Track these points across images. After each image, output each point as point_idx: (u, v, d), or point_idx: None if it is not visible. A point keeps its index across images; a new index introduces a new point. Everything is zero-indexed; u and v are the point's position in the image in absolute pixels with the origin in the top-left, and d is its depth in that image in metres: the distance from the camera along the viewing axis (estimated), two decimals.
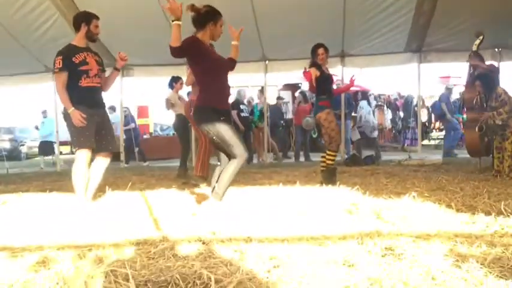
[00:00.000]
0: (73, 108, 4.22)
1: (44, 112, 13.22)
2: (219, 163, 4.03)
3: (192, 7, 3.81)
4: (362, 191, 4.82)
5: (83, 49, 4.42)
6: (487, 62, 6.96)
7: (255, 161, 10.50)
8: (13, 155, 18.28)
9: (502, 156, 6.08)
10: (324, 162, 5.74)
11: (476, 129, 6.41)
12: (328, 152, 5.69)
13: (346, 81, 9.52)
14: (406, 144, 14.60)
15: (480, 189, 4.74)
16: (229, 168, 3.76)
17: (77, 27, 4.44)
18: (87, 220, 3.74)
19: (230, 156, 3.80)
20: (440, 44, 9.18)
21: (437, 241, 2.77)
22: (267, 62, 10.08)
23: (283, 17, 8.45)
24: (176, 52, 3.64)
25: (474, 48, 6.84)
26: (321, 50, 5.74)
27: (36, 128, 13.78)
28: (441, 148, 12.80)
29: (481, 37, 6.81)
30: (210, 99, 3.86)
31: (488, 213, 3.53)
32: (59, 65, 4.25)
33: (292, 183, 5.73)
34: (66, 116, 4.31)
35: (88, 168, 4.37)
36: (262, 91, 11.14)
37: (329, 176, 5.59)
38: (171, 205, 4.54)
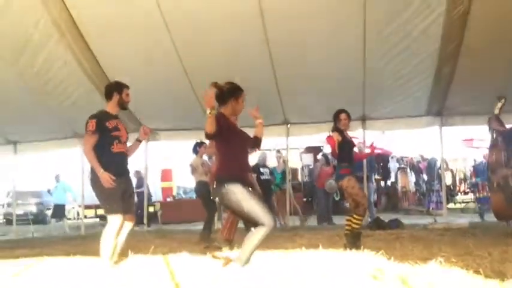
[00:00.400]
0: (103, 170, 4.27)
1: (57, 176, 13.58)
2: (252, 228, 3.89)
3: (215, 85, 3.94)
4: (387, 256, 4.72)
5: (115, 116, 4.59)
6: (508, 126, 6.93)
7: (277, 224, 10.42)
8: (39, 218, 18.50)
9: None
10: (349, 225, 5.67)
11: (494, 185, 6.36)
12: (354, 216, 5.63)
13: (368, 143, 9.59)
14: (431, 208, 14.35)
15: (509, 253, 4.61)
16: (255, 235, 3.70)
17: (108, 96, 4.61)
18: (110, 285, 3.73)
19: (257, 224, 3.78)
20: (462, 107, 9.20)
21: None
22: (288, 125, 10.20)
23: (305, 81, 8.62)
24: (211, 136, 3.79)
25: (496, 111, 6.86)
26: (343, 116, 5.81)
27: (49, 191, 14.11)
28: (467, 211, 12.54)
29: (503, 100, 6.84)
30: (233, 170, 3.89)
31: None
32: (92, 127, 4.35)
33: (315, 247, 5.66)
34: (95, 181, 4.37)
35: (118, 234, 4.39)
36: (279, 152, 11.27)
37: (354, 241, 5.51)
38: (194, 269, 4.51)
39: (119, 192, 4.38)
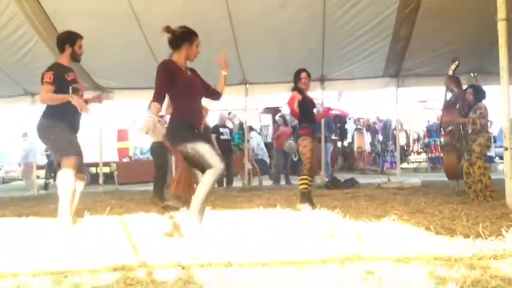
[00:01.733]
0: (71, 97, 4.20)
1: (25, 134, 12.97)
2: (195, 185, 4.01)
3: (167, 28, 3.88)
4: (342, 214, 4.82)
5: (71, 69, 4.43)
6: (464, 87, 7.09)
7: (239, 183, 10.47)
8: None
9: (471, 181, 6.19)
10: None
11: (448, 131, 6.58)
12: (299, 177, 5.72)
13: (326, 104, 9.66)
14: (385, 167, 14.74)
15: (458, 211, 4.79)
16: (204, 180, 3.75)
17: (61, 48, 4.44)
18: (64, 245, 3.66)
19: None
20: (418, 68, 9.37)
21: (417, 264, 2.78)
22: (247, 85, 10.13)
23: (264, 41, 8.55)
24: (161, 100, 3.80)
25: (450, 73, 6.98)
26: (303, 75, 5.79)
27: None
28: (419, 171, 12.94)
29: (456, 62, 6.95)
30: (183, 115, 3.90)
31: (466, 236, 3.56)
32: (49, 79, 4.20)
33: (273, 207, 5.71)
34: (47, 128, 4.25)
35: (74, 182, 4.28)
36: (230, 114, 11.31)
37: (303, 201, 5.53)
38: (150, 230, 4.47)
39: (75, 138, 4.35)
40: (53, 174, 12.92)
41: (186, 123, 3.87)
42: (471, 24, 7.67)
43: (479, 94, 6.48)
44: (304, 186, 5.57)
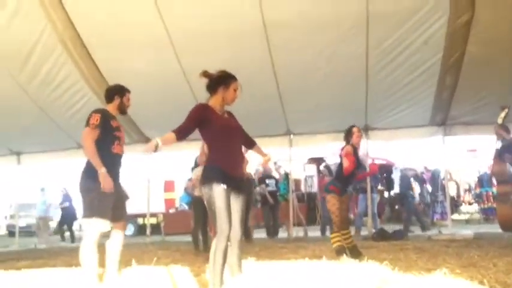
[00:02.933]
0: (105, 169, 4.02)
1: (43, 189, 13.46)
2: (229, 243, 3.61)
3: (205, 73, 3.85)
4: (391, 267, 4.68)
5: (115, 118, 4.43)
6: None
7: (284, 234, 10.39)
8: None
9: None
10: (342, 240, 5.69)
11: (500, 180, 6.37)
12: (331, 235, 5.77)
13: (371, 154, 9.58)
14: (435, 219, 14.28)
15: None
16: (211, 254, 3.53)
17: (109, 99, 4.46)
18: None
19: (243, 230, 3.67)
20: (465, 117, 9.20)
21: None
22: (291, 136, 10.21)
23: (307, 91, 8.64)
24: (180, 135, 3.69)
25: (499, 121, 6.84)
26: (356, 129, 5.78)
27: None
28: (471, 223, 12.46)
29: (506, 110, 6.81)
30: (218, 161, 3.67)
31: None
32: (96, 121, 4.12)
33: (319, 258, 5.63)
34: (86, 179, 4.14)
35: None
36: (276, 164, 11.28)
37: (340, 256, 5.47)
38: (197, 280, 4.49)
39: (112, 198, 4.12)
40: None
41: (220, 170, 3.59)
42: None
43: None
44: (338, 243, 5.59)
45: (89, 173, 4.14)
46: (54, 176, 18.45)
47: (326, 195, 5.75)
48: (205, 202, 3.62)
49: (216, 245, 3.51)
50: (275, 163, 11.48)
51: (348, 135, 5.79)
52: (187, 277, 4.73)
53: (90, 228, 4.08)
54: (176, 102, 8.83)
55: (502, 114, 6.83)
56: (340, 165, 5.75)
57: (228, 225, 3.49)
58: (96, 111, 4.28)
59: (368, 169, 7.84)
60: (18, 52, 7.69)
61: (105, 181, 4.00)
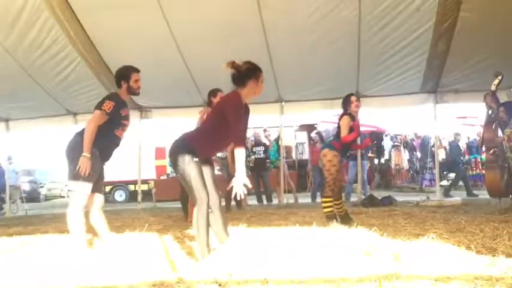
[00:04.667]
0: (89, 156, 4.08)
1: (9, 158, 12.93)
2: (209, 211, 3.70)
3: (232, 64, 3.67)
4: (380, 233, 4.75)
5: (127, 105, 4.44)
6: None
7: (275, 201, 10.48)
8: (32, 196, 18.56)
9: None
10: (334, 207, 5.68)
11: (490, 152, 6.41)
12: (322, 199, 5.67)
13: (362, 121, 9.57)
14: (424, 185, 14.45)
15: (500, 230, 4.64)
16: (193, 222, 3.60)
17: (118, 84, 4.41)
18: (103, 261, 3.75)
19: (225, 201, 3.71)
20: (456, 84, 9.20)
21: (457, 284, 2.73)
22: (283, 103, 10.18)
23: (299, 59, 8.59)
24: (241, 140, 3.66)
25: (493, 88, 6.81)
26: (354, 98, 5.70)
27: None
28: (459, 189, 12.63)
29: (499, 77, 6.78)
30: (204, 148, 3.70)
31: (508, 256, 3.45)
32: (108, 109, 4.15)
33: (309, 225, 5.68)
34: (75, 149, 4.17)
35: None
36: (266, 130, 11.28)
37: (331, 222, 5.48)
38: (188, 246, 4.53)
39: (97, 171, 4.24)
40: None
41: (194, 150, 3.63)
42: (510, 38, 7.51)
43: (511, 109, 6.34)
44: (329, 209, 5.55)
45: (80, 138, 4.18)
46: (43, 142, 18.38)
47: (327, 152, 5.47)
48: (179, 176, 3.66)
49: (197, 214, 3.57)
50: (265, 130, 11.48)
51: (346, 103, 5.69)
52: (180, 243, 4.77)
53: (76, 191, 4.14)
54: (166, 67, 8.76)
55: (495, 81, 6.80)
56: (337, 133, 5.71)
57: (205, 193, 3.57)
58: (110, 98, 4.28)
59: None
60: (5, 17, 7.50)
61: (83, 165, 4.05)
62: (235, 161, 3.45)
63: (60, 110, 10.46)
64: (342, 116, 5.68)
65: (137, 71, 4.43)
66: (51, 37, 8.02)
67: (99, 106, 4.20)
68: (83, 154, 4.08)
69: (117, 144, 4.47)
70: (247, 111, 3.92)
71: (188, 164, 3.56)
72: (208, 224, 3.60)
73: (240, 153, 3.44)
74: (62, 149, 4.38)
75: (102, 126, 4.19)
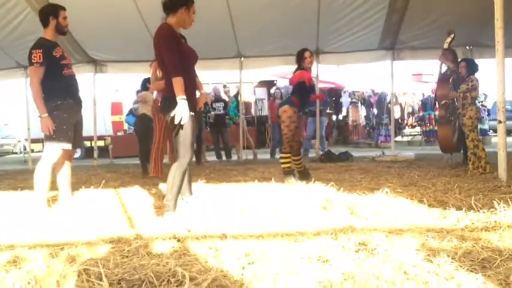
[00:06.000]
0: (47, 114, 3.97)
1: None
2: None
3: None
4: (336, 187, 4.86)
5: (57, 44, 4.22)
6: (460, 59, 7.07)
7: (234, 157, 10.49)
8: None
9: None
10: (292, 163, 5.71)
11: (442, 103, 6.59)
12: (280, 155, 5.70)
13: (321, 78, 9.62)
14: (379, 141, 14.78)
15: (451, 184, 4.83)
16: (170, 175, 3.57)
17: (45, 22, 4.19)
18: (60, 218, 3.68)
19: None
20: (413, 41, 9.33)
21: (410, 236, 2.82)
22: (242, 59, 10.06)
23: (258, 14, 8.46)
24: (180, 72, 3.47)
25: (445, 46, 6.93)
26: (308, 53, 5.62)
27: None
28: (413, 144, 12.99)
29: (452, 35, 6.90)
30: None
31: (459, 208, 3.61)
32: (39, 59, 3.96)
33: (268, 180, 5.74)
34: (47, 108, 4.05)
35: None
36: (226, 87, 11.17)
37: (288, 177, 5.53)
38: (146, 203, 4.50)
39: (72, 122, 4.16)
40: None
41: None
42: None
43: (472, 67, 6.47)
44: (287, 165, 5.59)
45: (47, 97, 4.06)
46: None
47: (287, 108, 5.47)
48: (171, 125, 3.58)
49: (176, 170, 3.54)
50: (224, 86, 11.35)
51: (300, 59, 5.65)
52: (137, 199, 4.74)
53: (49, 149, 4.07)
54: (122, 20, 8.45)
55: (448, 39, 6.92)
56: (294, 90, 5.70)
57: (190, 153, 3.57)
58: (35, 46, 4.06)
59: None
60: None
61: (44, 125, 3.97)
62: (175, 90, 3.40)
63: (11, 63, 10.00)
64: (295, 70, 5.68)
65: (64, 8, 4.27)
66: None
67: (29, 61, 4.03)
68: (39, 116, 3.98)
69: (75, 84, 4.31)
70: (187, 43, 3.81)
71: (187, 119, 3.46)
72: (182, 182, 3.60)
73: (176, 82, 3.41)
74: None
75: (45, 77, 4.03)
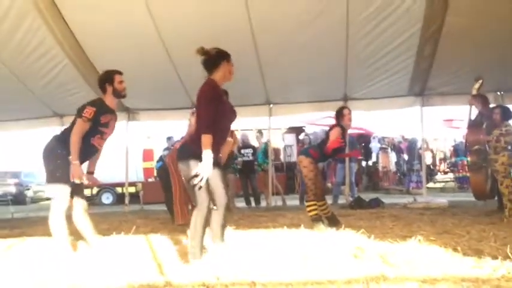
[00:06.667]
0: (78, 163, 4.08)
1: None
2: (214, 207, 3.76)
3: (202, 50, 3.71)
4: (367, 235, 4.77)
5: (111, 111, 4.37)
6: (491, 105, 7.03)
7: (263, 203, 10.46)
8: (18, 199, 18.35)
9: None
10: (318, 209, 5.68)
11: (474, 150, 6.49)
12: (306, 203, 5.69)
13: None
14: (411, 187, 14.55)
15: (486, 232, 4.70)
16: (192, 221, 3.60)
17: (102, 89, 4.35)
18: (91, 264, 3.72)
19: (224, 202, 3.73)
20: (443, 87, 9.29)
21: (444, 285, 2.75)
22: (271, 105, 10.19)
23: (287, 61, 8.60)
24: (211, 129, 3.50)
25: (473, 92, 6.93)
26: (347, 111, 5.67)
27: None
28: (446, 191, 12.73)
29: (480, 81, 6.90)
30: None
31: (494, 257, 3.49)
32: (89, 115, 4.11)
33: (297, 227, 5.70)
34: (57, 149, 4.19)
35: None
36: (261, 133, 11.22)
37: (318, 224, 5.51)
38: (176, 249, 4.51)
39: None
40: None
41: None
42: (496, 42, 7.60)
43: (507, 113, 6.41)
44: (314, 212, 5.58)
45: (62, 142, 4.20)
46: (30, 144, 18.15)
47: (303, 159, 5.57)
48: (183, 178, 3.67)
49: (196, 217, 3.56)
50: (259, 131, 11.42)
51: (339, 116, 5.67)
52: (167, 246, 4.75)
53: (54, 194, 4.17)
54: (154, 68, 8.73)
55: (476, 86, 6.93)
56: (324, 141, 5.71)
57: (206, 197, 3.56)
58: (92, 104, 4.22)
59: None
60: None
61: (75, 172, 4.06)
62: (202, 145, 3.42)
63: (47, 112, 10.38)
64: (333, 126, 5.69)
65: (120, 73, 4.38)
66: (38, 38, 7.93)
67: (79, 113, 4.16)
68: (72, 162, 4.07)
69: (93, 154, 4.42)
70: (227, 96, 3.95)
71: (191, 168, 3.52)
72: (205, 228, 3.61)
73: (205, 138, 3.44)
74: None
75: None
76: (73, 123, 4.22)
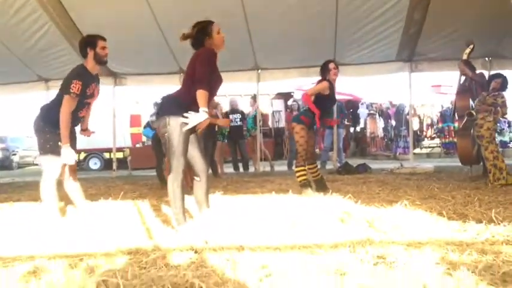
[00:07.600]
0: (69, 145, 4.01)
1: None
2: (197, 178, 3.80)
3: (184, 36, 3.71)
4: (354, 200, 4.81)
5: (94, 79, 4.25)
6: (478, 71, 7.01)
7: (251, 169, 10.50)
8: (5, 164, 18.25)
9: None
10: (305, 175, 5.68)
11: (466, 112, 6.51)
12: (295, 168, 5.67)
13: (339, 89, 9.57)
14: (398, 153, 14.68)
15: (471, 197, 4.77)
16: (169, 190, 3.57)
17: (83, 54, 4.19)
18: (78, 229, 3.72)
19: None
20: (431, 53, 9.28)
21: (429, 249, 2.78)
22: (259, 71, 10.11)
23: (276, 26, 8.51)
24: (206, 84, 3.46)
25: (464, 57, 6.88)
26: (332, 65, 5.60)
27: None
28: (432, 157, 12.86)
29: (471, 46, 6.85)
30: (194, 106, 3.46)
31: (479, 221, 3.55)
32: (78, 91, 3.98)
33: (285, 192, 5.73)
34: (45, 127, 4.14)
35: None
36: (254, 98, 11.13)
37: (306, 189, 5.51)
38: (164, 214, 4.53)
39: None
40: None
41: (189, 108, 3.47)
42: (486, 7, 7.56)
43: (506, 85, 6.42)
44: (303, 177, 5.57)
45: (47, 117, 4.15)
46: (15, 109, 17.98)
47: (295, 125, 5.54)
48: (165, 135, 3.58)
49: (173, 183, 3.54)
50: (252, 96, 11.32)
51: (325, 70, 5.62)
52: (155, 211, 4.76)
53: (47, 165, 4.14)
54: (141, 33, 8.57)
55: (467, 50, 6.87)
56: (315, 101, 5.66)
57: (182, 163, 3.54)
58: (77, 76, 4.04)
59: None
60: None
61: (64, 154, 4.02)
62: (198, 102, 3.39)
63: (32, 76, 10.21)
64: (319, 81, 5.65)
65: (104, 38, 4.24)
66: (21, 1, 7.73)
67: (66, 89, 4.00)
68: (63, 145, 4.01)
69: (79, 122, 4.40)
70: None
71: (176, 129, 3.49)
72: (183, 192, 3.58)
73: (202, 94, 3.40)
74: (34, 116, 4.27)
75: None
76: (59, 97, 4.10)
